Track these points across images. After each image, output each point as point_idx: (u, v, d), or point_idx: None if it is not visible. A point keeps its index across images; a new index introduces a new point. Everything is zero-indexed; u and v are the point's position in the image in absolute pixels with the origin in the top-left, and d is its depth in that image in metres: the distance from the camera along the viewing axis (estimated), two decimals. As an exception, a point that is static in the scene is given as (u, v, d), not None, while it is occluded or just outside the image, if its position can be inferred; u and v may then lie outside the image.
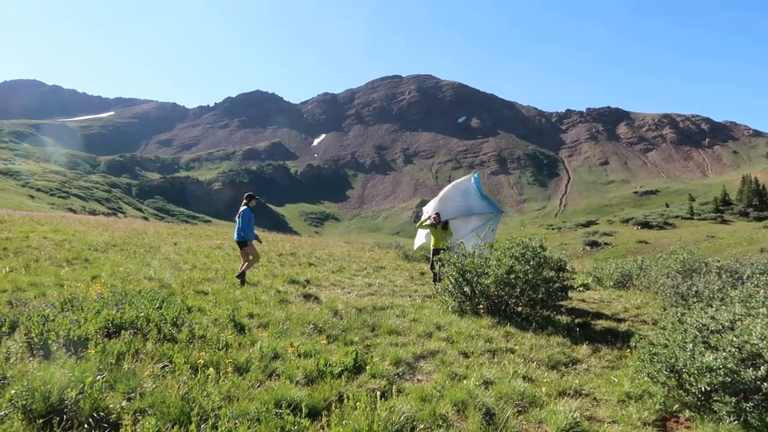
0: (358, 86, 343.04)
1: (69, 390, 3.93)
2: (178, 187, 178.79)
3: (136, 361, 5.06)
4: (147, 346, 5.42)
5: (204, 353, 5.34)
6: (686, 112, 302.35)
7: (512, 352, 6.54)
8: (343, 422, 4.04)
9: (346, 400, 4.49)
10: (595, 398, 5.24)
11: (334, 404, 4.42)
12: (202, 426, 3.87)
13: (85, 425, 3.78)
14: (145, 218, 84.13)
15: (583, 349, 6.85)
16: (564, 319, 8.65)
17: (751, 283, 8.76)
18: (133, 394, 4.30)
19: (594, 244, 76.61)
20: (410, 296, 10.54)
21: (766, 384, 4.30)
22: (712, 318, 5.18)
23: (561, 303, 9.72)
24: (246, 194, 11.00)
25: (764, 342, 4.46)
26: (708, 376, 4.54)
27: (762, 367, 4.33)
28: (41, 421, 3.70)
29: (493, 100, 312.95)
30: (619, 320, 9.19)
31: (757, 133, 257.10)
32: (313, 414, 4.34)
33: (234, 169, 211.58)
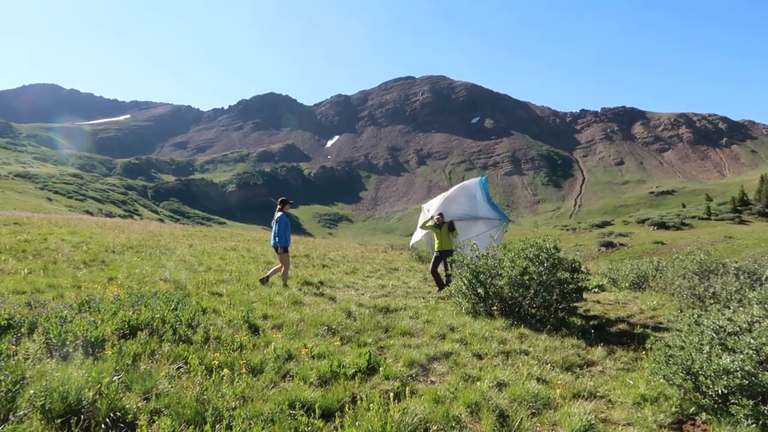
0: (371, 87, 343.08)
1: (86, 390, 3.99)
2: (193, 189, 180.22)
3: (152, 361, 5.12)
4: (162, 347, 5.48)
5: (219, 354, 5.39)
6: (703, 111, 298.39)
7: (526, 354, 6.49)
8: (357, 423, 4.05)
9: (359, 402, 4.51)
10: (609, 400, 5.19)
11: (347, 405, 4.43)
12: (217, 426, 3.91)
13: (102, 425, 3.84)
14: (161, 220, 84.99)
15: (598, 351, 6.78)
16: (578, 320, 8.57)
17: (770, 284, 8.61)
18: (148, 395, 4.36)
19: (609, 245, 75.95)
20: (424, 298, 10.52)
21: (784, 387, 4.23)
22: (730, 320, 5.11)
23: (575, 304, 9.65)
24: (280, 199, 10.89)
25: (783, 344, 4.40)
26: (725, 378, 4.47)
27: (781, 370, 4.27)
28: (59, 420, 3.77)
29: (506, 101, 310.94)
30: (635, 322, 9.10)
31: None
32: (327, 415, 4.35)
33: (248, 171, 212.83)
